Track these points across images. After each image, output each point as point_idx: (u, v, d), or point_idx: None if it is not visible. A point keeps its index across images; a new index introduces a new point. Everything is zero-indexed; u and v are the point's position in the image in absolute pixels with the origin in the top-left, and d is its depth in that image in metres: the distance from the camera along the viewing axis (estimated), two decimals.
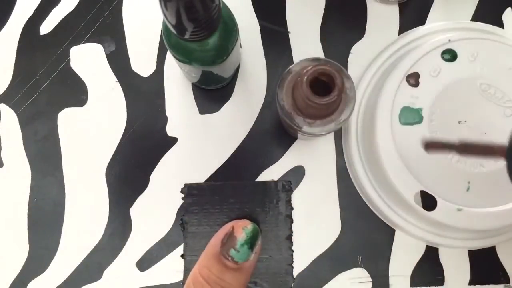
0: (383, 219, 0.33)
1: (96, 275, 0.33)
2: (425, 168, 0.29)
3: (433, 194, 0.29)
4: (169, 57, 0.34)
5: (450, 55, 0.30)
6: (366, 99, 0.33)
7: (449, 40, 0.30)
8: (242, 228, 0.28)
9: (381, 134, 0.30)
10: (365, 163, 0.32)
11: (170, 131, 0.34)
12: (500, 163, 0.29)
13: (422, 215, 0.29)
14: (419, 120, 0.30)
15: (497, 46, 0.30)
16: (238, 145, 0.34)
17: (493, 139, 0.29)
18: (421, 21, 0.34)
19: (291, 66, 0.26)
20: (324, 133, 0.26)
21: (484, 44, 0.30)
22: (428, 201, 0.29)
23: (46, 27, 0.35)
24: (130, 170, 0.33)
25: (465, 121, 0.29)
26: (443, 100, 0.30)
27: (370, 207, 0.33)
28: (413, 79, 0.30)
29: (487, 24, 0.34)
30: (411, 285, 0.32)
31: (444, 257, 0.33)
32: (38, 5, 0.35)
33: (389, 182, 0.29)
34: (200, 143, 0.34)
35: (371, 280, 0.32)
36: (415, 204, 0.29)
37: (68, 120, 0.34)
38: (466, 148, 0.28)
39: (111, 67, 0.35)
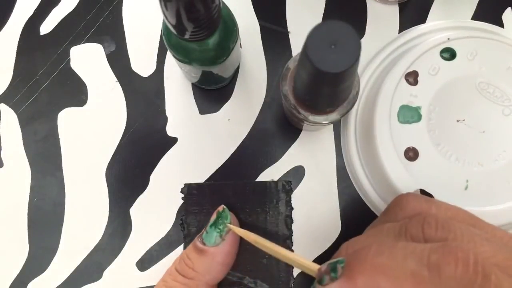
0: (378, 214, 0.33)
1: (96, 275, 0.33)
2: (423, 166, 0.29)
3: (431, 193, 0.29)
4: (169, 57, 0.35)
5: (449, 54, 0.30)
6: (364, 97, 0.33)
7: (448, 39, 0.30)
8: (216, 211, 0.29)
9: (379, 133, 0.30)
10: (363, 161, 0.32)
11: (170, 131, 0.34)
12: (499, 162, 0.29)
13: None
14: (418, 118, 0.30)
15: (496, 45, 0.30)
16: (238, 145, 0.34)
17: (492, 138, 0.29)
18: (421, 21, 0.34)
19: (294, 56, 0.26)
20: (327, 122, 0.26)
21: (483, 43, 0.30)
22: None
23: (46, 27, 0.35)
24: (130, 170, 0.33)
25: (464, 120, 0.30)
26: (442, 99, 0.30)
27: (369, 205, 0.33)
28: (412, 77, 0.30)
29: (486, 23, 0.34)
30: None
31: None
32: (38, 5, 0.35)
33: (387, 181, 0.29)
34: (200, 143, 0.34)
35: None
36: None
37: (68, 120, 0.34)
38: None
39: (111, 67, 0.35)
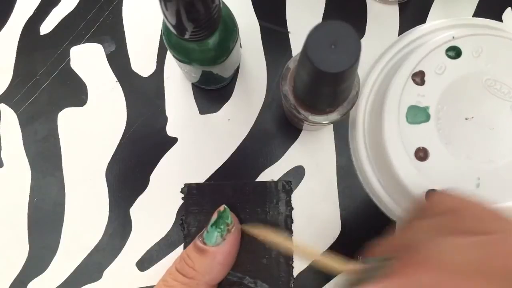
0: (389, 215, 0.33)
1: (96, 275, 0.33)
2: (434, 166, 0.29)
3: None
4: (169, 57, 0.34)
5: (454, 52, 0.30)
6: (372, 99, 0.33)
7: (453, 37, 0.30)
8: (217, 211, 0.29)
9: (388, 134, 0.30)
10: (373, 163, 0.32)
11: (170, 131, 0.34)
12: (509, 158, 0.29)
13: None
14: (426, 118, 0.30)
15: (501, 41, 0.30)
16: (238, 145, 0.34)
17: (501, 134, 0.29)
18: (421, 21, 0.34)
19: (294, 56, 0.26)
20: (327, 122, 0.26)
21: (488, 39, 0.30)
22: None
23: (46, 27, 0.35)
24: (130, 170, 0.33)
25: (472, 118, 0.30)
26: (450, 98, 0.30)
27: (380, 207, 0.33)
28: (419, 77, 0.30)
29: (490, 20, 0.34)
30: None
31: None
32: (38, 5, 0.35)
33: (399, 182, 0.29)
34: (200, 143, 0.34)
35: None
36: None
37: (68, 120, 0.34)
38: None
39: (111, 67, 0.35)
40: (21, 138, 0.34)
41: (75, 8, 0.35)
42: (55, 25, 0.35)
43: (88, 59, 0.35)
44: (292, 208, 0.33)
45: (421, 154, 0.29)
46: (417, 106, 0.30)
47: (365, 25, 0.35)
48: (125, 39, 0.35)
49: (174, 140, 0.34)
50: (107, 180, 0.33)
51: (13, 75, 0.35)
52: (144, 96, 0.34)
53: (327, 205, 0.33)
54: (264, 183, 0.33)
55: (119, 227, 0.33)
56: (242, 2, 0.35)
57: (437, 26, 0.33)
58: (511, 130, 0.29)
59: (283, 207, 0.32)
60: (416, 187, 0.29)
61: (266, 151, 0.34)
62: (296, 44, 0.34)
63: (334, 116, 0.26)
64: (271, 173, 0.33)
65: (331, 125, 0.34)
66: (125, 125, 0.34)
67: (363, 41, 0.34)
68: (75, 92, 0.34)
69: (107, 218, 0.33)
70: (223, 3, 0.25)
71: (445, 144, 0.29)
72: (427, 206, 0.23)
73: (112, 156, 0.34)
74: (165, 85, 0.34)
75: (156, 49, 0.35)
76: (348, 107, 0.25)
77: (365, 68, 0.34)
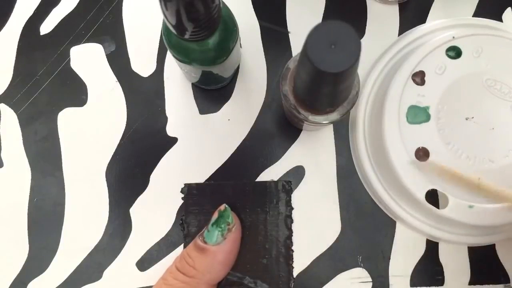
0: (389, 215, 0.33)
1: (96, 275, 0.33)
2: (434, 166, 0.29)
3: (444, 192, 0.29)
4: (169, 57, 0.35)
5: (454, 52, 0.30)
6: (372, 99, 0.33)
7: (453, 37, 0.30)
8: (218, 210, 0.30)
9: (389, 134, 0.30)
10: (374, 163, 0.32)
11: (170, 131, 0.34)
12: (510, 158, 0.29)
13: (433, 213, 0.29)
14: (427, 118, 0.30)
15: (501, 41, 0.30)
16: (238, 145, 0.34)
17: (502, 134, 0.29)
18: (422, 21, 0.35)
19: (294, 56, 0.26)
20: (327, 122, 0.26)
21: (488, 40, 0.30)
22: (434, 198, 0.30)
23: (46, 27, 0.35)
24: (130, 170, 0.33)
25: (473, 117, 0.30)
26: (450, 97, 0.30)
27: (381, 207, 0.33)
28: (419, 77, 0.30)
29: (490, 20, 0.34)
30: (411, 285, 0.32)
31: (444, 257, 0.33)
32: (38, 5, 0.35)
33: (399, 181, 0.29)
34: (200, 143, 0.34)
35: (371, 280, 0.32)
36: (427, 203, 0.29)
37: (68, 120, 0.34)
38: None
39: (111, 67, 0.35)
40: (21, 138, 0.34)
41: (75, 8, 0.35)
42: (55, 25, 0.35)
43: (88, 59, 0.35)
44: (292, 208, 0.33)
45: (421, 154, 0.29)
46: (417, 106, 0.30)
47: (365, 25, 0.35)
48: (125, 39, 0.35)
49: (174, 140, 0.34)
50: (107, 180, 0.33)
51: (13, 75, 0.35)
52: (144, 96, 0.34)
53: (327, 205, 0.33)
54: (264, 183, 0.33)
55: (119, 227, 0.33)
56: (242, 2, 0.35)
57: (437, 26, 0.33)
58: (511, 130, 0.29)
59: (283, 207, 0.32)
60: (416, 187, 0.29)
61: (266, 151, 0.34)
62: (296, 44, 0.34)
63: (334, 116, 0.26)
64: (271, 173, 0.33)
65: (331, 125, 0.34)
66: (125, 125, 0.34)
67: (363, 41, 0.34)
68: (75, 92, 0.34)
69: (107, 218, 0.33)
70: (223, 3, 0.25)
71: (445, 144, 0.29)
72: None
73: (112, 156, 0.34)
74: (165, 85, 0.34)
75: (156, 49, 0.35)
76: (348, 107, 0.25)
77: (365, 68, 0.34)
